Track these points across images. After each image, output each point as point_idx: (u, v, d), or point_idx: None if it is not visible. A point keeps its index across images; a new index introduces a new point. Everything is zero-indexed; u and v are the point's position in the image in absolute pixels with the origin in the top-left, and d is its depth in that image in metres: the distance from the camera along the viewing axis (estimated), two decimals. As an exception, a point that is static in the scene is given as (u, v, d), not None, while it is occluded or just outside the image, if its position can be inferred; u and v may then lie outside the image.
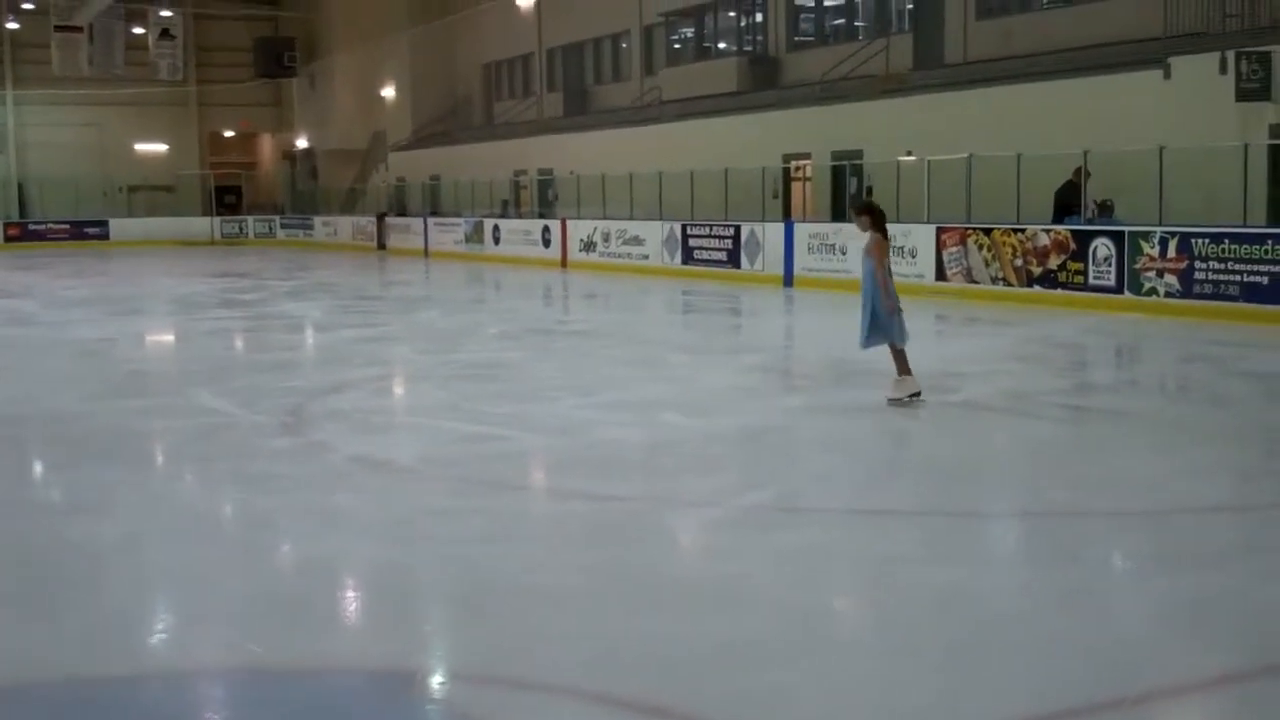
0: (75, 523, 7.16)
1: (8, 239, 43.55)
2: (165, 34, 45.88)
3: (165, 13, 45.31)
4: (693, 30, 34.47)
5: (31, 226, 44.79)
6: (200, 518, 7.35)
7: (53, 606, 5.63)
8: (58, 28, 44.17)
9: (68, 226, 44.58)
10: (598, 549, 6.46)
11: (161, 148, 50.84)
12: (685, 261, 24.97)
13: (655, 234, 25.97)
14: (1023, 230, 18.02)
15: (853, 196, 23.49)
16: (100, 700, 4.69)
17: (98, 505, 7.53)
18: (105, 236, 44.39)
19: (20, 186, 48.08)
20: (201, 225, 45.24)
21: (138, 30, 45.62)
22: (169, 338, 18.07)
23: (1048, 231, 17.64)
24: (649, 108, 34.23)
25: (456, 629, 5.47)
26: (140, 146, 50.50)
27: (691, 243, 24.90)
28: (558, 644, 5.07)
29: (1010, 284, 18.11)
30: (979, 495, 7.69)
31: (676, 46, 35.21)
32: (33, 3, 44.34)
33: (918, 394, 9.74)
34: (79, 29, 44.16)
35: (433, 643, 5.35)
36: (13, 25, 45.16)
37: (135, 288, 27.09)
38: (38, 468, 9.12)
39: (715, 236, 24.32)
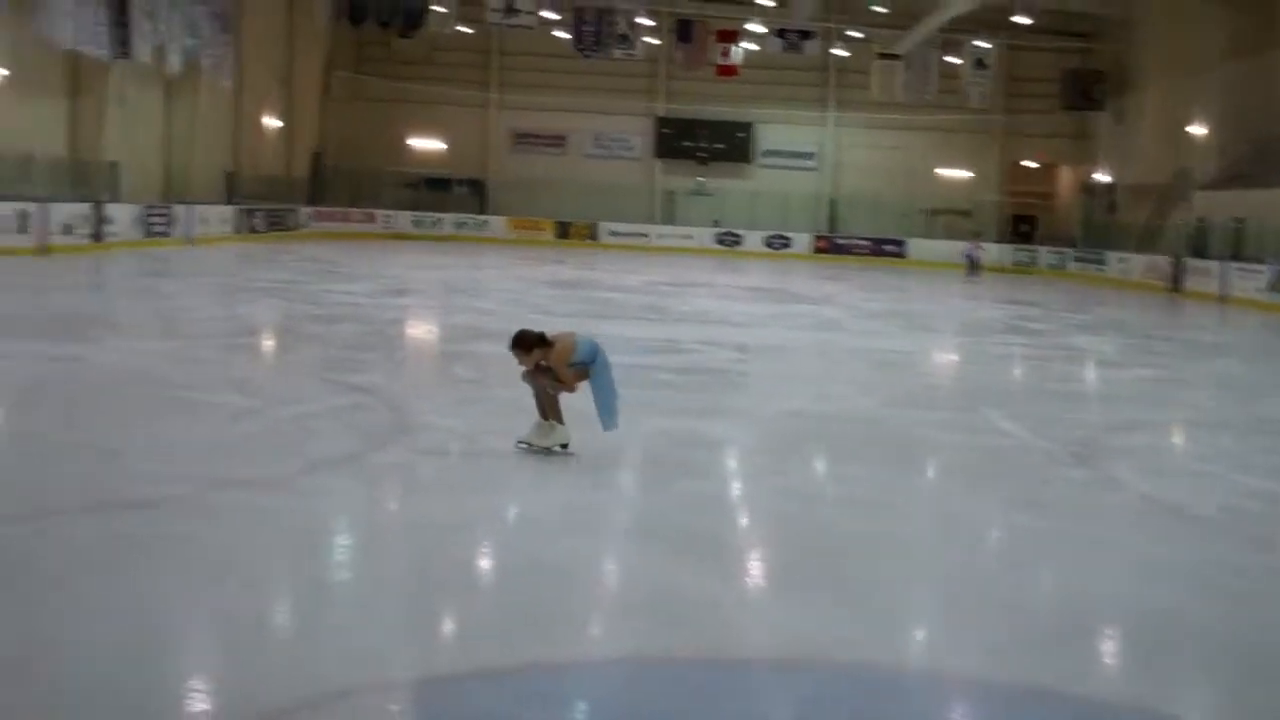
0: (852, 514, 7.74)
1: (816, 250, 47.45)
2: (979, 64, 47.27)
3: (981, 43, 46.63)
4: None
5: (838, 240, 48.34)
6: (966, 528, 7.64)
7: (844, 589, 6.16)
8: (880, 55, 47.10)
9: (869, 243, 47.59)
10: None
11: (963, 173, 52.39)
12: None
13: None
14: None
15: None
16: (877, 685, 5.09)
17: (873, 501, 8.07)
18: (902, 255, 46.77)
19: (832, 203, 51.84)
20: (993, 252, 46.09)
21: (951, 59, 47.36)
22: (960, 357, 18.70)
23: None
24: None
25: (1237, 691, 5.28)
26: (942, 171, 52.40)
27: None
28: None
29: None
30: None
31: None
32: (860, 31, 47.48)
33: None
34: (898, 57, 46.78)
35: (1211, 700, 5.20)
36: (841, 53, 48.65)
37: (928, 306, 28.23)
38: (823, 463, 9.83)
39: None
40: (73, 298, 20.42)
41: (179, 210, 36.06)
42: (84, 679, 4.55)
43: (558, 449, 8.57)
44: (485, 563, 6.51)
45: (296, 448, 8.71)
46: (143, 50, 33.28)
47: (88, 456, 8.19)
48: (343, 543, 6.76)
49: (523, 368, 8.51)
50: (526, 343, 8.41)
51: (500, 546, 6.78)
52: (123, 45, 32.29)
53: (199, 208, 37.59)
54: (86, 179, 33.11)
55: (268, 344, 16.00)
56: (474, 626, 5.46)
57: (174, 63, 35.78)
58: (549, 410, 8.58)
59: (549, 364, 8.41)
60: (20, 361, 12.38)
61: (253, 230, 40.88)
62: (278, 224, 43.44)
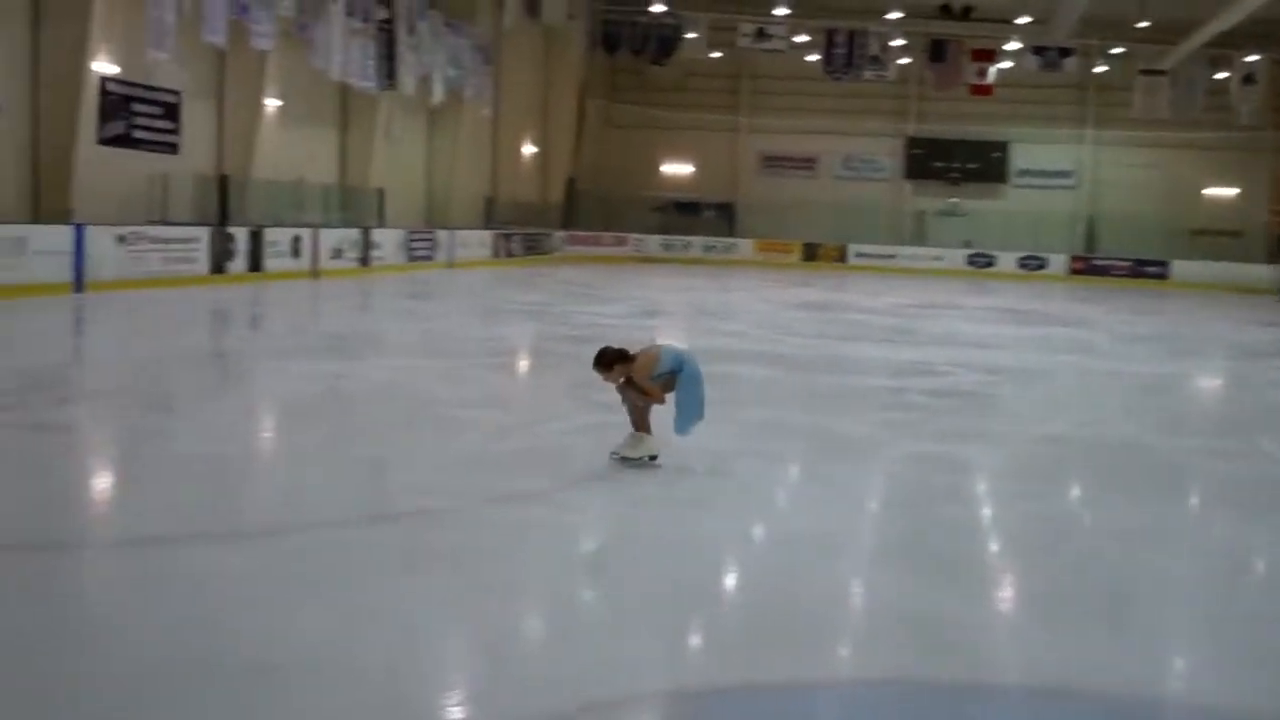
0: (1114, 543, 7.48)
1: (1072, 271, 45.98)
2: (1247, 79, 45.09)
3: (1250, 57, 44.48)
4: None
5: (1095, 261, 46.73)
6: (1237, 560, 7.30)
7: (1106, 619, 5.99)
8: (1142, 71, 45.39)
9: (1128, 264, 45.82)
10: None
11: (1230, 192, 50.02)
12: None
13: None
14: None
15: None
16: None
17: (1137, 530, 7.79)
18: (1164, 276, 44.88)
19: (1089, 222, 50.21)
20: (1260, 273, 43.79)
21: (1219, 75, 45.32)
22: (1230, 382, 17.87)
23: None
24: None
25: None
26: (1208, 190, 50.14)
27: None
28: None
29: None
30: None
31: None
32: (1123, 46, 45.87)
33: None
34: (1163, 73, 45.00)
35: None
36: (1101, 69, 47.14)
37: (1192, 329, 27.06)
38: (1084, 490, 9.52)
39: None
40: (342, 319, 21.48)
41: (441, 235, 37.50)
42: (352, 684, 4.80)
43: (646, 460, 8.73)
44: (736, 581, 6.57)
45: (555, 464, 8.97)
46: (408, 82, 34.79)
47: (357, 469, 8.63)
48: (598, 557, 6.94)
49: (611, 385, 8.79)
50: (606, 360, 8.68)
51: (752, 566, 6.83)
52: (389, 78, 33.83)
53: (459, 232, 39.00)
54: (355, 205, 34.77)
55: (526, 363, 16.49)
56: (725, 643, 5.53)
57: (437, 93, 37.25)
58: (640, 422, 8.79)
59: (633, 378, 8.64)
60: (295, 379, 13.11)
61: (509, 254, 42.15)
62: (533, 248, 44.66)
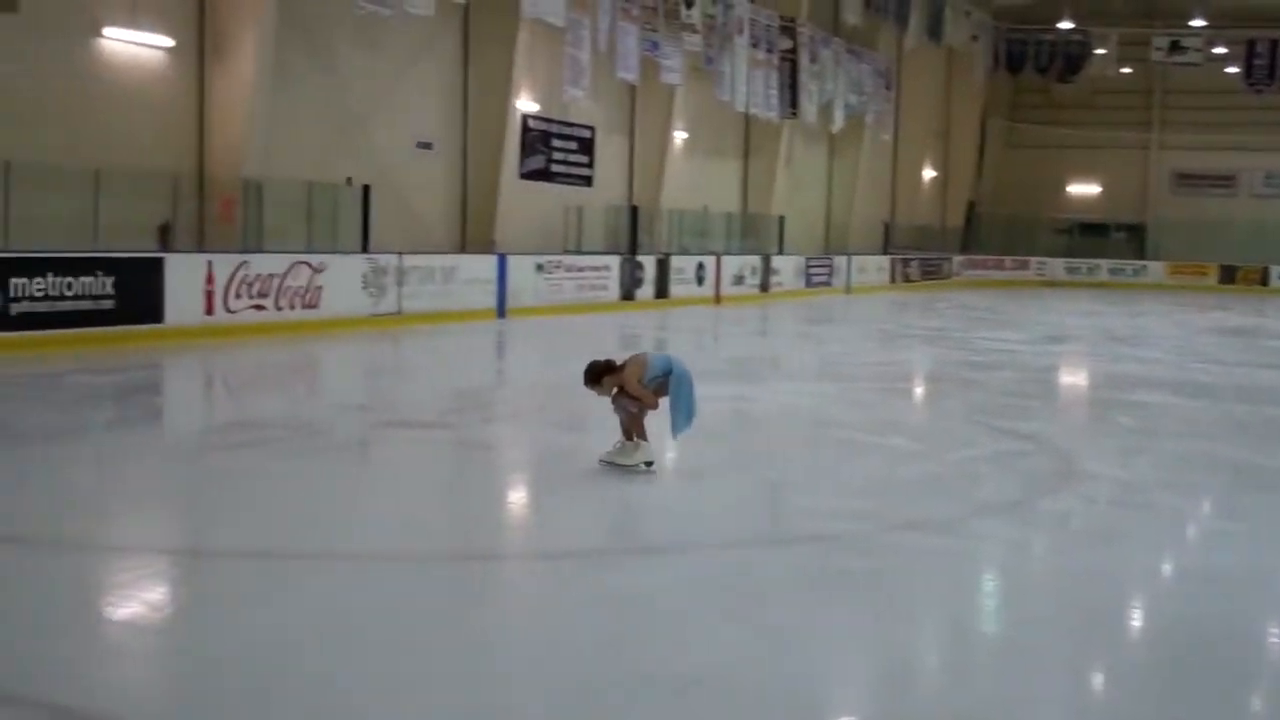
0: None
1: None
2: None
3: None
4: None
5: None
6: None
7: None
8: None
9: None
10: None
11: None
12: None
13: None
14: None
15: None
16: None
17: None
18: None
19: None
20: None
21: None
22: None
23: None
24: None
25: None
26: None
27: None
28: None
29: None
30: None
31: None
32: None
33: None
34: None
35: None
36: None
37: None
38: None
39: None
40: (743, 343, 21.93)
41: (839, 260, 37.63)
42: (771, 702, 4.89)
43: (642, 467, 8.64)
44: (1147, 617, 6.24)
45: (962, 492, 8.85)
46: (809, 110, 35.18)
47: (760, 491, 8.80)
48: (1005, 588, 6.77)
49: (604, 397, 8.70)
50: (596, 373, 8.66)
51: (1164, 602, 6.50)
52: (791, 106, 34.32)
53: (857, 258, 39.02)
54: (756, 232, 35.43)
55: (926, 389, 16.32)
56: (1133, 684, 5.28)
57: (838, 120, 37.48)
58: (634, 430, 8.68)
59: (624, 386, 8.55)
60: (700, 400, 13.47)
61: (906, 279, 41.80)
62: (931, 272, 44.12)
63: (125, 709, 4.55)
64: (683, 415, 8.81)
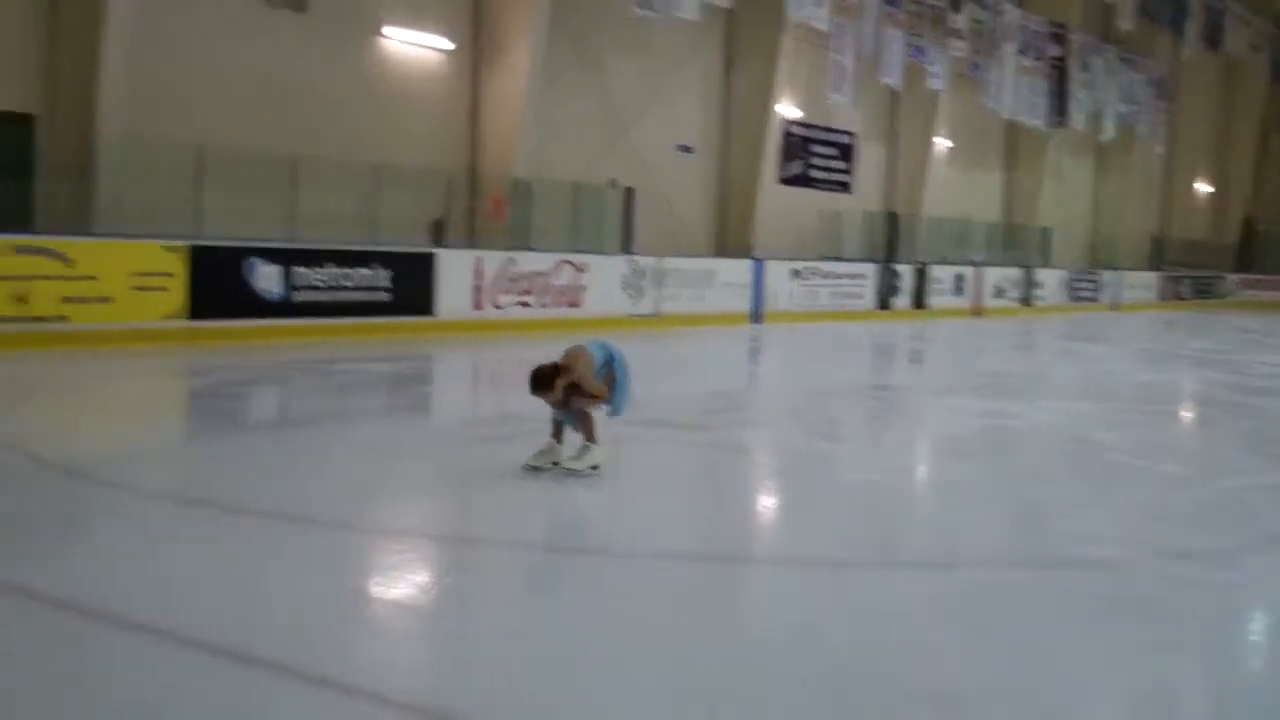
0: None
1: None
2: None
3: None
4: None
5: None
6: None
7: None
8: None
9: None
10: None
11: None
12: None
13: None
14: None
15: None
16: None
17: None
18: None
19: None
20: None
21: None
22: None
23: None
24: None
25: None
26: None
27: None
28: None
29: None
30: None
31: None
32: None
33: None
34: None
35: None
36: None
37: None
38: None
39: None
40: (1003, 357, 21.42)
41: (1105, 276, 36.35)
42: None
43: (587, 470, 8.36)
44: None
45: (1236, 522, 8.45)
46: (1078, 119, 34.11)
47: (1019, 510, 8.60)
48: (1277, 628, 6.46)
49: (550, 405, 8.29)
50: (545, 377, 8.10)
51: None
52: (1059, 115, 33.34)
53: (1124, 274, 37.62)
54: (1018, 244, 34.56)
55: (1197, 412, 15.63)
56: None
57: (1108, 129, 36.24)
58: (588, 432, 8.42)
59: (578, 382, 8.15)
60: (955, 414, 13.27)
61: (1178, 297, 40.09)
62: (1203, 291, 42.18)
63: (381, 683, 4.78)
64: (621, 397, 8.61)
